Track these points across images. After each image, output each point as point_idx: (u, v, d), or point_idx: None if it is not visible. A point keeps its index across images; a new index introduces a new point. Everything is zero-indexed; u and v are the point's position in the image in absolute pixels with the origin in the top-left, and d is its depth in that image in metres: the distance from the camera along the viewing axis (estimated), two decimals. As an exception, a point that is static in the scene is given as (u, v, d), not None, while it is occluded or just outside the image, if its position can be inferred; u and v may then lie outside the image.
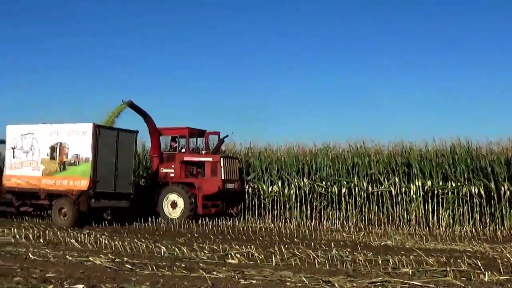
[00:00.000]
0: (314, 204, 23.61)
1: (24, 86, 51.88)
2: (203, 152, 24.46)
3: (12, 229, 17.26)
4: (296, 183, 23.81)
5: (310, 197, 23.71)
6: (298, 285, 9.58)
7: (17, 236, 15.90)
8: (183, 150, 24.04)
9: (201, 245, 14.62)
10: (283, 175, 24.30)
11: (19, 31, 55.26)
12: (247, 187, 24.37)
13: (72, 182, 19.99)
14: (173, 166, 23.60)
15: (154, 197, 23.03)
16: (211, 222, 21.46)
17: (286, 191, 23.91)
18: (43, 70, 54.03)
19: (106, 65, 55.75)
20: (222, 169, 22.87)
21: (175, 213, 22.64)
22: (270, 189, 24.26)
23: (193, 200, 22.52)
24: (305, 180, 23.69)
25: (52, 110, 50.88)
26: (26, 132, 21.12)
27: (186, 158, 23.65)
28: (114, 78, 54.28)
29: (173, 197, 22.85)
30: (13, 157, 21.19)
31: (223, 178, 22.86)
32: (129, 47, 55.38)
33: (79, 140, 20.05)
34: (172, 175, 23.50)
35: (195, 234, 17.90)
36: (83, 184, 19.68)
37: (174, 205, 22.84)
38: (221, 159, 23.05)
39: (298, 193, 23.85)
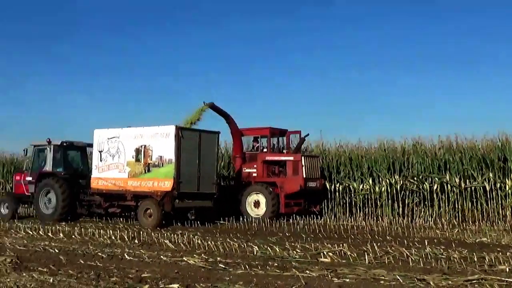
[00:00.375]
0: (406, 201, 23.22)
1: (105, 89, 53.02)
2: (285, 151, 24.37)
3: (108, 230, 17.67)
4: (387, 180, 23.48)
5: (401, 194, 23.34)
6: (392, 284, 9.49)
7: (113, 237, 16.21)
8: (265, 150, 24.13)
9: (293, 244, 14.57)
10: (374, 172, 24.00)
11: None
12: (337, 185, 24.21)
13: (157, 183, 20.19)
14: (255, 166, 23.76)
15: (238, 197, 23.19)
16: (302, 221, 21.38)
17: (377, 188, 23.59)
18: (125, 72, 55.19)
19: (188, 66, 56.74)
20: (304, 168, 22.77)
21: (258, 212, 22.72)
22: (360, 186, 24.04)
23: (275, 199, 22.48)
24: (396, 177, 23.34)
25: (135, 113, 52.45)
26: (112, 136, 21.58)
27: (268, 158, 23.73)
28: (195, 80, 55.32)
29: (255, 196, 22.99)
30: (100, 160, 21.72)
31: (304, 176, 22.77)
32: (208, 47, 56.29)
33: (162, 142, 20.22)
34: (254, 174, 23.67)
35: (287, 233, 17.84)
36: (167, 185, 19.85)
37: (257, 204, 22.96)
38: (302, 158, 22.97)
39: (389, 190, 23.48)
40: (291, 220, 21.57)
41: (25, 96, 56.05)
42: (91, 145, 22.57)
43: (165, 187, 19.94)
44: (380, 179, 23.71)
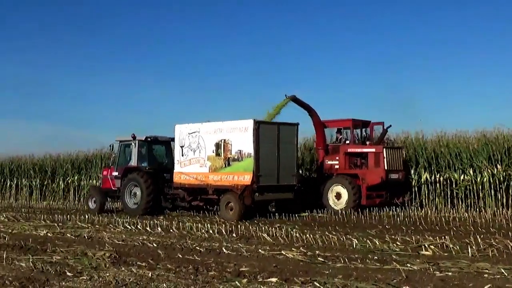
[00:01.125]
0: (510, 191, 22.46)
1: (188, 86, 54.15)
2: (368, 143, 24.20)
3: (206, 224, 17.81)
4: (489, 171, 22.80)
5: (505, 184, 22.58)
6: (496, 277, 9.34)
7: (211, 231, 16.32)
8: (347, 142, 24.00)
9: (393, 236, 14.38)
10: (474, 162, 23.33)
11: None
12: (437, 176, 23.71)
13: (237, 177, 20.50)
14: (337, 158, 23.63)
15: (320, 189, 23.20)
16: (402, 213, 21.15)
17: (478, 179, 22.93)
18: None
19: (266, 63, 56.91)
20: (385, 159, 22.53)
21: (340, 204, 22.67)
22: (461, 177, 23.37)
23: (357, 190, 22.45)
24: (499, 167, 22.67)
25: (215, 108, 52.99)
26: (192, 131, 21.99)
27: (350, 150, 23.61)
28: (276, 74, 55.47)
29: (337, 188, 22.91)
30: (182, 155, 22.19)
31: (386, 168, 22.55)
32: (287, 42, 56.15)
33: (241, 136, 20.52)
34: (336, 166, 23.56)
35: (387, 226, 17.60)
36: (247, 179, 20.12)
37: (338, 196, 22.89)
38: (384, 149, 22.71)
39: (491, 180, 22.77)
40: (390, 212, 21.43)
41: (107, 91, 57.22)
42: (173, 140, 23.02)
43: (245, 181, 20.21)
44: (482, 169, 23.02)
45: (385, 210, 22.19)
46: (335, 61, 56.30)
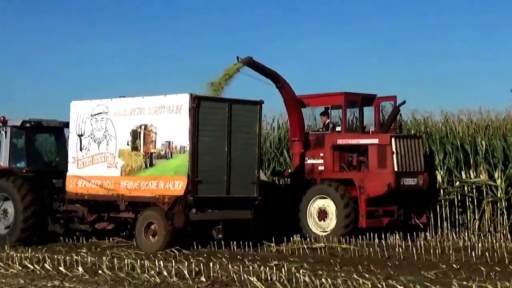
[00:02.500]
0: None
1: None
2: (372, 129, 23.66)
3: (157, 260, 17.26)
4: None
5: None
6: None
7: (165, 273, 15.75)
8: (338, 129, 23.07)
9: (465, 283, 14.15)
10: None
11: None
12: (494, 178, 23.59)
13: (163, 184, 19.72)
14: (322, 154, 22.81)
15: (296, 203, 22.63)
16: (479, 243, 20.80)
17: None
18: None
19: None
20: (396, 155, 21.39)
21: (325, 227, 22.09)
22: None
23: (351, 206, 21.62)
24: None
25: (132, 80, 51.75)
26: (96, 112, 21.21)
27: (341, 141, 22.74)
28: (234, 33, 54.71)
29: (320, 202, 22.24)
30: (80, 148, 21.42)
31: (396, 169, 21.56)
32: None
33: (171, 120, 19.82)
34: (320, 168, 22.78)
35: (453, 263, 17.30)
36: (179, 186, 19.36)
37: (322, 214, 22.24)
38: (393, 140, 21.56)
39: None
40: (461, 242, 21.18)
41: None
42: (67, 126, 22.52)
43: (176, 190, 19.47)
44: None
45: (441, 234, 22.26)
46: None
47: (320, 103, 23.97)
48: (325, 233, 21.75)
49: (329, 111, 23.59)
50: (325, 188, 22.21)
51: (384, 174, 21.79)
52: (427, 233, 22.46)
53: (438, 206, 23.92)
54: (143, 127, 20.23)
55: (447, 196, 23.96)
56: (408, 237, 21.50)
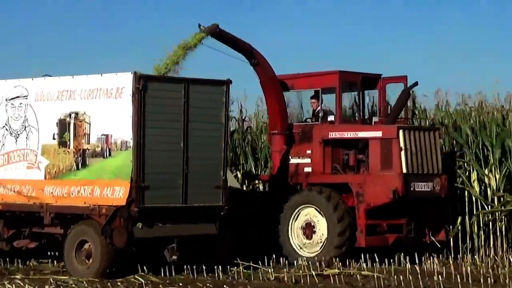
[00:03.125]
0: None
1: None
2: (375, 119, 23.10)
3: None
4: None
5: None
6: None
7: None
8: (330, 118, 22.43)
9: None
10: None
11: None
12: None
13: (99, 191, 18.93)
14: (309, 151, 22.11)
15: (275, 215, 22.01)
16: None
17: None
18: None
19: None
20: (404, 153, 20.74)
21: (311, 246, 21.39)
22: None
23: (347, 219, 20.88)
24: None
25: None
26: (14, 95, 20.55)
27: (333, 134, 21.96)
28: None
29: (307, 213, 21.45)
30: None
31: (405, 171, 20.82)
32: None
33: (109, 107, 19.03)
34: (307, 169, 22.07)
35: None
36: (119, 193, 18.57)
37: (309, 229, 21.52)
38: (401, 132, 20.87)
39: None
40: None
41: None
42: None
43: (116, 199, 18.72)
44: None
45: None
46: None
47: (308, 85, 23.13)
48: (312, 254, 21.08)
49: (319, 95, 22.86)
50: (312, 196, 21.41)
51: (389, 177, 21.04)
52: (476, 256, 21.87)
53: (491, 220, 23.28)
54: (73, 115, 19.40)
55: (503, 207, 23.29)
56: (451, 261, 21.16)
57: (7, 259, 21.47)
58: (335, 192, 21.19)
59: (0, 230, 20.59)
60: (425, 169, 21.32)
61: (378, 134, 21.41)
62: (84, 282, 18.36)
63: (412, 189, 20.97)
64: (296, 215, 21.55)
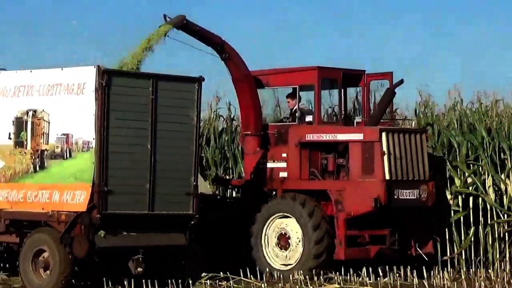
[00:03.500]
0: None
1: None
2: (357, 119, 22.19)
3: None
4: None
5: None
6: None
7: None
8: (309, 119, 21.59)
9: None
10: None
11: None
12: None
13: (58, 196, 17.97)
14: (284, 155, 21.18)
15: (247, 224, 21.43)
16: None
17: None
18: None
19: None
20: (387, 157, 19.86)
21: (286, 258, 20.62)
22: None
23: (324, 228, 20.04)
24: None
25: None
26: None
27: (310, 136, 20.97)
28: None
29: (282, 223, 20.67)
30: None
31: (388, 177, 19.90)
32: None
33: (70, 103, 18.05)
34: (283, 174, 21.21)
35: None
36: (80, 198, 17.70)
37: (283, 240, 20.75)
38: (384, 134, 19.96)
39: None
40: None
41: None
42: None
43: (76, 204, 17.82)
44: None
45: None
46: None
47: (285, 82, 22.17)
48: (287, 267, 20.30)
49: (297, 92, 21.89)
50: (286, 203, 20.51)
51: (371, 183, 20.10)
52: (490, 270, 20.89)
53: (507, 231, 22.39)
54: (31, 113, 18.50)
55: None
56: (462, 276, 20.28)
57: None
58: (311, 198, 20.42)
59: None
60: (410, 175, 20.43)
61: (359, 136, 20.44)
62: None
63: (396, 197, 20.09)
64: (269, 226, 20.81)
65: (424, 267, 20.57)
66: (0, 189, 18.66)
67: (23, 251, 18.06)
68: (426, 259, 21.02)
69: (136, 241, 18.24)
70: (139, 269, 18.35)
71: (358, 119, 22.09)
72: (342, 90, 22.21)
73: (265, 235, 20.78)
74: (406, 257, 20.98)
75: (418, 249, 21.09)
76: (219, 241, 21.66)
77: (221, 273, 19.69)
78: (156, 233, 18.47)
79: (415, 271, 20.08)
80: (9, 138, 18.56)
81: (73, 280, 17.87)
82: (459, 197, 22.73)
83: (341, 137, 20.72)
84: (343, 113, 22.49)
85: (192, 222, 18.72)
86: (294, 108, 21.80)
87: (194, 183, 18.73)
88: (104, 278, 18.34)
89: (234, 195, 24.65)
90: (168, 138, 18.38)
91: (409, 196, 20.31)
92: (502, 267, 21.59)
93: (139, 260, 18.29)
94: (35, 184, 18.20)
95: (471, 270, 21.30)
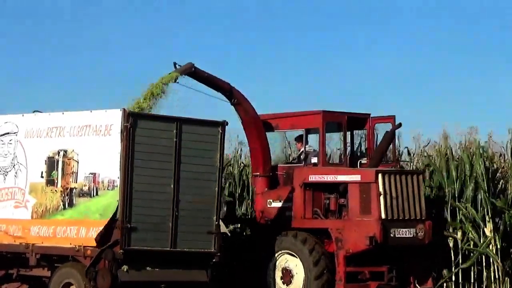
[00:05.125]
0: None
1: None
2: (364, 160, 20.34)
3: None
4: None
5: None
6: None
7: None
8: (314, 160, 19.56)
9: None
10: None
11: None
12: None
13: (85, 231, 16.14)
14: (290, 195, 19.27)
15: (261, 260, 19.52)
16: None
17: None
18: None
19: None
20: (383, 197, 18.04)
21: None
22: None
23: (323, 264, 18.30)
24: None
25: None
26: (3, 131, 17.87)
27: (313, 177, 19.05)
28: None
29: (285, 260, 18.84)
30: None
31: (384, 216, 18.03)
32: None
33: (97, 144, 16.28)
34: (289, 213, 19.21)
35: None
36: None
37: (287, 275, 18.94)
38: (380, 176, 18.17)
39: None
40: None
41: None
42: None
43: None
44: None
45: None
46: None
47: (292, 125, 20.31)
48: None
49: (303, 136, 20.15)
50: (288, 241, 18.75)
51: (367, 222, 18.22)
52: None
53: None
54: (61, 153, 16.61)
55: None
56: None
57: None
58: (311, 236, 18.58)
59: None
60: (406, 214, 18.41)
61: (357, 178, 18.62)
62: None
63: (392, 235, 18.19)
64: (276, 261, 18.94)
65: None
66: (32, 224, 16.91)
67: (51, 285, 16.38)
68: None
69: (158, 277, 16.57)
70: None
71: (363, 160, 20.27)
72: (348, 132, 20.43)
73: (270, 272, 19.17)
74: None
75: (417, 285, 19.27)
76: (234, 277, 20.08)
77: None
78: (178, 269, 16.69)
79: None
80: (41, 176, 16.83)
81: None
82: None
83: (341, 178, 18.90)
84: (347, 155, 20.34)
85: (214, 260, 17.01)
86: (301, 150, 20.11)
87: (216, 222, 17.03)
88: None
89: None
90: (191, 179, 16.63)
91: (406, 234, 18.49)
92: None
93: None
94: (64, 220, 16.49)
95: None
